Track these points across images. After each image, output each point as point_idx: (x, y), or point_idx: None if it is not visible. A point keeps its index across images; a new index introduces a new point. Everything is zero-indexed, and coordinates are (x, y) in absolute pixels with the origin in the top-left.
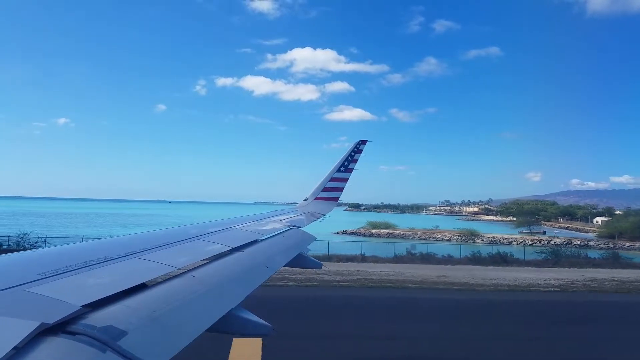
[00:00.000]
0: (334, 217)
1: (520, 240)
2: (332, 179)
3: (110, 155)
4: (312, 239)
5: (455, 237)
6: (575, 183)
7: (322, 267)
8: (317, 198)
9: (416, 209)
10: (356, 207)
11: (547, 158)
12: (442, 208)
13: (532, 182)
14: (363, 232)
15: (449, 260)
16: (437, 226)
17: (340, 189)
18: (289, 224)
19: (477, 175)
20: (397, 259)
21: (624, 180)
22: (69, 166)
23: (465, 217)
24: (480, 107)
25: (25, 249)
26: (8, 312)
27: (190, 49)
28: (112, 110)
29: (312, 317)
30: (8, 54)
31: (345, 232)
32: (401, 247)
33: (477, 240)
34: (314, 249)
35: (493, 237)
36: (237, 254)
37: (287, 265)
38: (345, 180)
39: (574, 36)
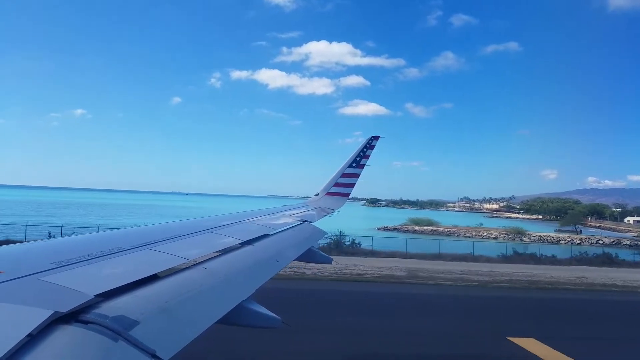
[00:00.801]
0: (353, 212)
1: (568, 239)
2: (344, 175)
3: (125, 146)
4: (323, 234)
5: (502, 236)
6: (591, 181)
7: (332, 261)
8: (328, 193)
9: (435, 205)
10: (374, 202)
11: (563, 156)
12: (461, 205)
13: (548, 179)
14: (406, 229)
15: (554, 260)
16: (481, 224)
17: (352, 185)
18: (299, 218)
19: (492, 173)
20: (505, 259)
21: None
22: (85, 157)
23: (489, 214)
24: (497, 103)
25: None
26: (22, 300)
27: (205, 42)
28: (128, 102)
29: None
30: (27, 47)
31: (386, 228)
32: (462, 245)
33: (525, 239)
34: (382, 245)
35: (540, 236)
36: (248, 248)
37: (297, 259)
38: (357, 175)
39: (595, 32)
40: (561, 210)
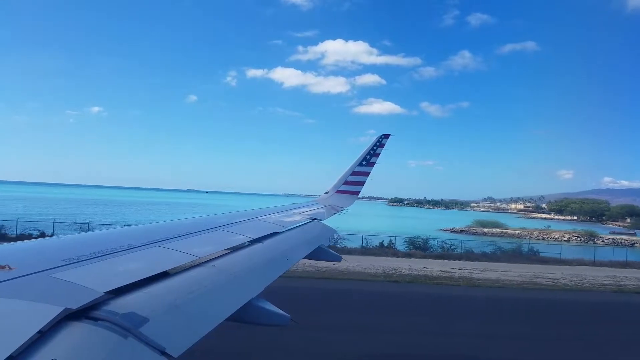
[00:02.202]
0: (377, 212)
1: None
2: (354, 173)
3: (141, 144)
4: (332, 232)
5: (574, 238)
6: (607, 181)
7: (342, 260)
8: (339, 191)
9: (460, 205)
10: (398, 201)
11: (579, 155)
12: (485, 205)
13: (564, 179)
14: (474, 231)
15: None
16: (549, 226)
17: (362, 183)
18: (309, 216)
19: (508, 172)
20: (627, 264)
21: None
22: (101, 154)
23: (519, 214)
24: (514, 102)
25: None
26: (33, 297)
27: (222, 40)
28: (144, 100)
29: None
30: (45, 45)
31: (453, 230)
32: (574, 250)
33: (598, 241)
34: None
35: (613, 239)
36: (258, 245)
37: (306, 257)
38: (367, 174)
39: (612, 32)
40: (596, 212)
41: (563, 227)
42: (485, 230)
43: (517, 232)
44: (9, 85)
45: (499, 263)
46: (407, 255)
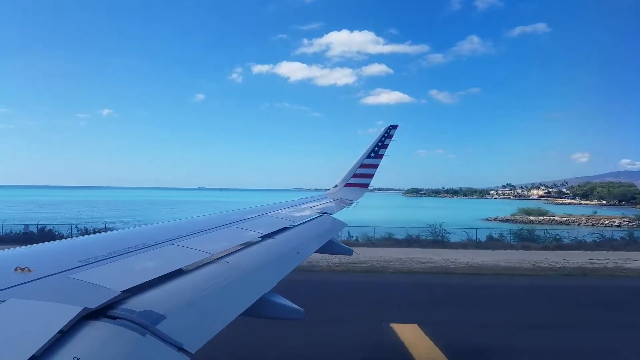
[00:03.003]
0: (399, 203)
1: None
2: (362, 165)
3: (151, 145)
4: (343, 225)
5: (625, 223)
6: (625, 163)
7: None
8: (347, 184)
9: (479, 193)
10: (416, 192)
11: (595, 137)
12: (505, 192)
13: (579, 162)
14: (520, 220)
15: None
16: (596, 212)
17: (371, 175)
18: (319, 211)
19: (523, 157)
20: None
21: None
22: (113, 156)
23: (544, 201)
24: (526, 86)
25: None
26: (53, 297)
27: (226, 37)
28: (152, 101)
29: None
30: (55, 48)
31: (497, 219)
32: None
33: None
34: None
35: None
36: (269, 241)
37: (317, 251)
38: (376, 166)
39: (625, 10)
40: (626, 195)
41: (592, 211)
42: (532, 218)
43: (565, 218)
44: (17, 88)
45: (620, 252)
46: (489, 247)
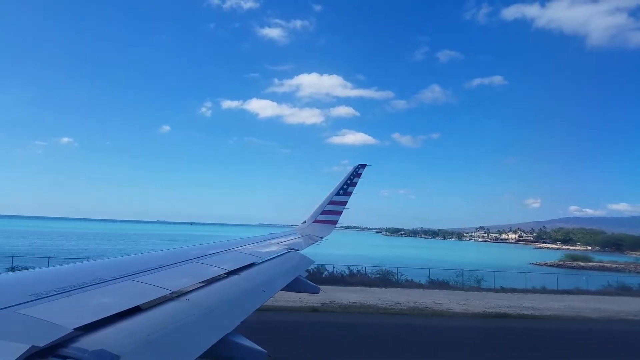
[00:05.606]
0: (376, 242)
1: None
2: (331, 202)
3: (112, 175)
4: (310, 262)
5: None
6: (573, 210)
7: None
8: (316, 221)
9: (457, 235)
10: (395, 232)
11: (546, 185)
12: (479, 234)
13: (531, 208)
14: (566, 265)
15: None
16: (639, 259)
17: (339, 212)
18: (287, 247)
19: (479, 201)
20: None
21: (621, 207)
22: (70, 186)
23: (532, 245)
24: (483, 134)
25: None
26: None
27: (198, 72)
28: (115, 131)
29: None
30: (10, 73)
31: (546, 264)
32: None
33: None
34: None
35: None
36: (234, 277)
37: (284, 289)
38: (344, 203)
39: (574, 68)
40: (609, 241)
41: (599, 256)
42: (582, 264)
43: (613, 265)
44: None
45: None
46: (566, 292)
